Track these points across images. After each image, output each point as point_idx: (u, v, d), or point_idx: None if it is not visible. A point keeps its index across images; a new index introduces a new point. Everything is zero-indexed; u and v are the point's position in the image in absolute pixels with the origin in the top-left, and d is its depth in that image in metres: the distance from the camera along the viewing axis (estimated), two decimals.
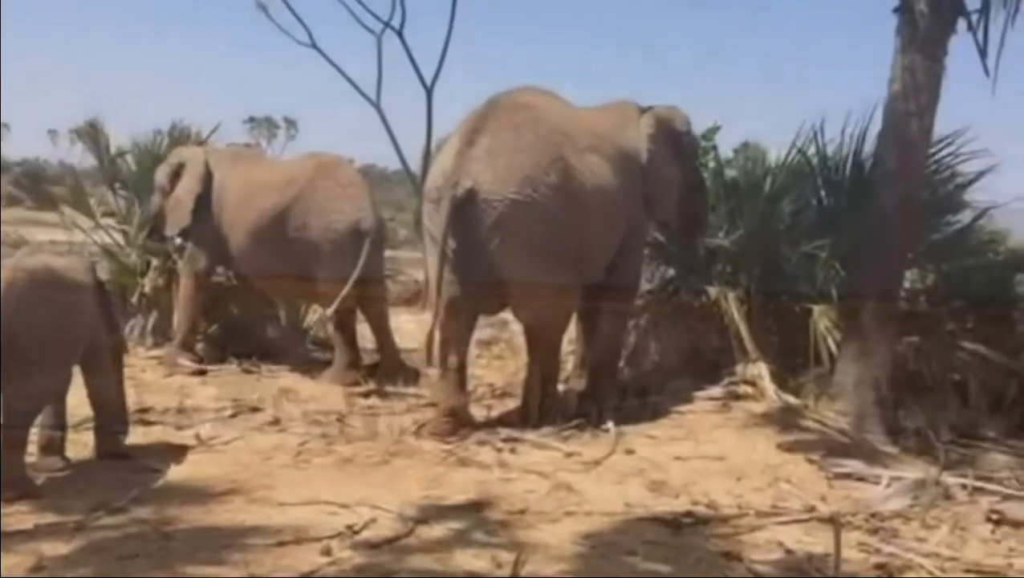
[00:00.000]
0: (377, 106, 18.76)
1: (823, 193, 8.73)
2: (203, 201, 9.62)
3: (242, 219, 9.40)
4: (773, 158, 8.87)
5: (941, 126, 7.65)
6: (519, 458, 6.62)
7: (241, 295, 10.15)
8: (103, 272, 6.30)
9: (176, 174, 9.93)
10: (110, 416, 6.26)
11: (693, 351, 8.61)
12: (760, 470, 6.36)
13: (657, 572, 4.68)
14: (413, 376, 8.99)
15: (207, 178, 9.70)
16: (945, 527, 5.48)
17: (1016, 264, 8.76)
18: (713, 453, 6.72)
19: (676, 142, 8.20)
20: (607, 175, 7.48)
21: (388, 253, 10.77)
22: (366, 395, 8.50)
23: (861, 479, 6.27)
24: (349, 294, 8.74)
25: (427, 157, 16.89)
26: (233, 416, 7.62)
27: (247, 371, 9.27)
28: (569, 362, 8.62)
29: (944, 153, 8.37)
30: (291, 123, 76.41)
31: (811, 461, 6.52)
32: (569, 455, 6.67)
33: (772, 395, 7.64)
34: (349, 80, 18.84)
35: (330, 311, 8.84)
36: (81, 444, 6.32)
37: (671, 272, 9.21)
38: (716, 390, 7.89)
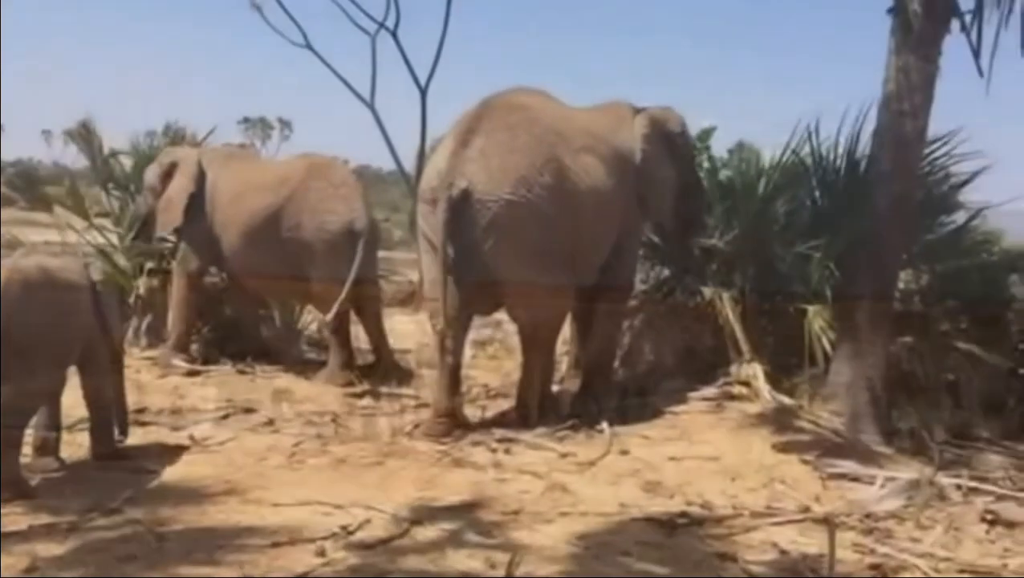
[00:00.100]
0: (371, 106, 18.65)
1: (818, 194, 8.73)
2: (196, 201, 9.59)
3: (235, 219, 9.39)
4: (767, 158, 8.87)
5: (935, 127, 7.68)
6: (514, 459, 6.62)
7: (235, 296, 10.13)
8: (96, 273, 6.25)
9: (167, 174, 9.89)
10: (106, 417, 6.24)
11: (688, 351, 8.62)
12: (755, 470, 6.37)
13: (651, 573, 4.68)
14: (407, 377, 8.99)
15: (200, 178, 9.67)
16: (940, 527, 5.50)
17: (1010, 265, 8.77)
18: (708, 453, 6.73)
19: (670, 143, 8.20)
20: (601, 176, 7.49)
21: (383, 254, 10.77)
22: (360, 396, 8.50)
23: (855, 479, 6.28)
24: (345, 297, 8.74)
25: (421, 158, 16.79)
26: (227, 417, 7.61)
27: (241, 372, 9.24)
28: (564, 363, 8.63)
29: (938, 154, 8.39)
30: (285, 123, 76.38)
31: (805, 461, 6.52)
32: (564, 456, 6.67)
33: (766, 395, 7.64)
34: (343, 80, 18.74)
35: (329, 316, 8.84)
36: (76, 445, 6.32)
37: (666, 272, 9.21)
38: (711, 390, 7.89)
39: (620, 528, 5.28)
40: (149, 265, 10.47)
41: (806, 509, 5.67)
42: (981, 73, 7.25)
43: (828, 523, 5.12)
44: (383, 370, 9.16)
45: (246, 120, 72.51)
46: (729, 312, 8.17)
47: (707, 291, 8.48)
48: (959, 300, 8.38)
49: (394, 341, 9.70)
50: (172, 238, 10.03)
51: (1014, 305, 8.58)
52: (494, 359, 9.75)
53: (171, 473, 6.10)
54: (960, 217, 8.72)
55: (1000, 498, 6.03)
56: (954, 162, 8.50)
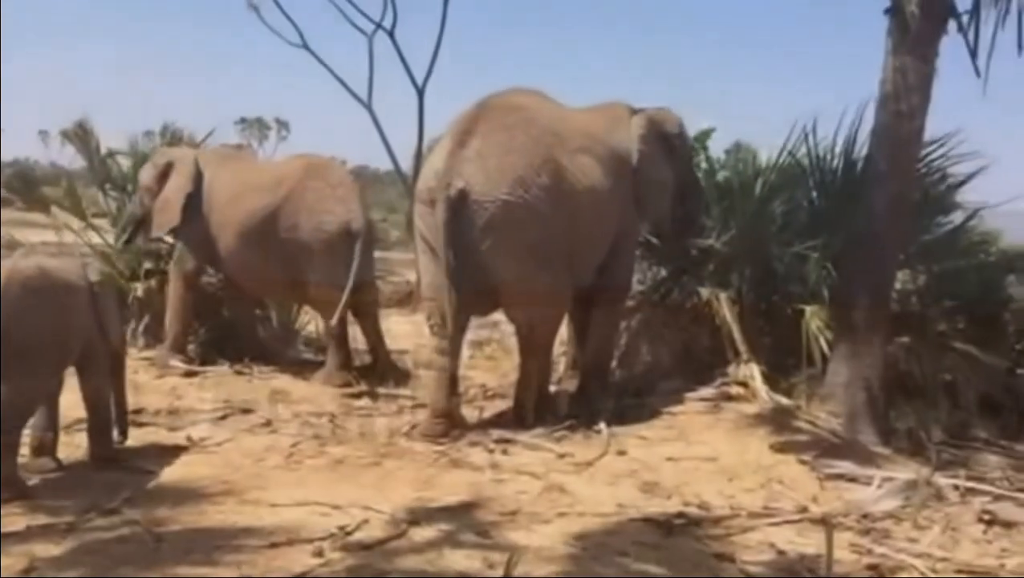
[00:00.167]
0: (368, 107, 18.68)
1: (815, 194, 8.75)
2: (193, 201, 9.58)
3: (232, 220, 9.37)
4: (764, 159, 8.88)
5: (932, 127, 7.68)
6: (511, 459, 6.62)
7: (232, 296, 10.12)
8: (95, 273, 6.24)
9: (163, 175, 9.85)
10: (104, 420, 6.23)
11: (685, 352, 8.61)
12: (752, 471, 6.37)
13: (649, 573, 4.68)
14: (404, 377, 8.99)
15: (198, 178, 9.66)
16: (937, 528, 5.50)
17: (1007, 265, 8.80)
18: (705, 454, 6.73)
19: (667, 143, 8.21)
20: (598, 176, 7.49)
21: (380, 254, 10.77)
22: (358, 396, 8.50)
23: (853, 480, 6.28)
24: (341, 297, 8.75)
25: (418, 158, 16.82)
26: (225, 417, 7.61)
27: (239, 372, 9.23)
28: (561, 363, 8.63)
29: (936, 154, 8.40)
30: (282, 124, 76.52)
31: (803, 462, 6.53)
32: (561, 456, 6.68)
33: (764, 396, 7.64)
34: (340, 81, 18.78)
35: (333, 321, 8.85)
36: (73, 446, 6.32)
37: (663, 273, 9.21)
38: (708, 391, 7.88)
39: (618, 528, 5.29)
40: (147, 266, 10.46)
41: (803, 509, 5.68)
42: (978, 73, 7.27)
43: (825, 523, 5.13)
44: (380, 371, 9.17)
45: (243, 120, 72.71)
46: (726, 312, 8.17)
47: (704, 291, 8.48)
48: (956, 300, 8.40)
49: (391, 342, 9.70)
50: (169, 239, 10.03)
51: (1011, 305, 8.59)
52: (491, 360, 9.75)
53: (169, 474, 6.10)
54: (957, 217, 8.75)
55: (997, 498, 6.03)
56: (951, 163, 8.52)
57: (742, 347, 8.01)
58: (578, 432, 7.19)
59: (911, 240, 8.11)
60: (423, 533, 5.04)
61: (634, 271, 8.61)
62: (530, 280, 7.16)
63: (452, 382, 7.31)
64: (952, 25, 7.25)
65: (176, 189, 9.65)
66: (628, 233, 8.01)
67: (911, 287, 8.62)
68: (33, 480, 5.69)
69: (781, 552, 5.02)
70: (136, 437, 6.73)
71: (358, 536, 4.92)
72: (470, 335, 7.65)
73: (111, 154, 11.56)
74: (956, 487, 6.14)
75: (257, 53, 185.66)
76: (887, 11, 7.30)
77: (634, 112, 8.14)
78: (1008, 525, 5.63)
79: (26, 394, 5.51)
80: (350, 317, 9.28)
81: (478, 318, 8.29)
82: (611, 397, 7.86)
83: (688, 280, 8.82)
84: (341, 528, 4.98)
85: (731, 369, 8.01)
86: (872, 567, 4.89)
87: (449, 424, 7.14)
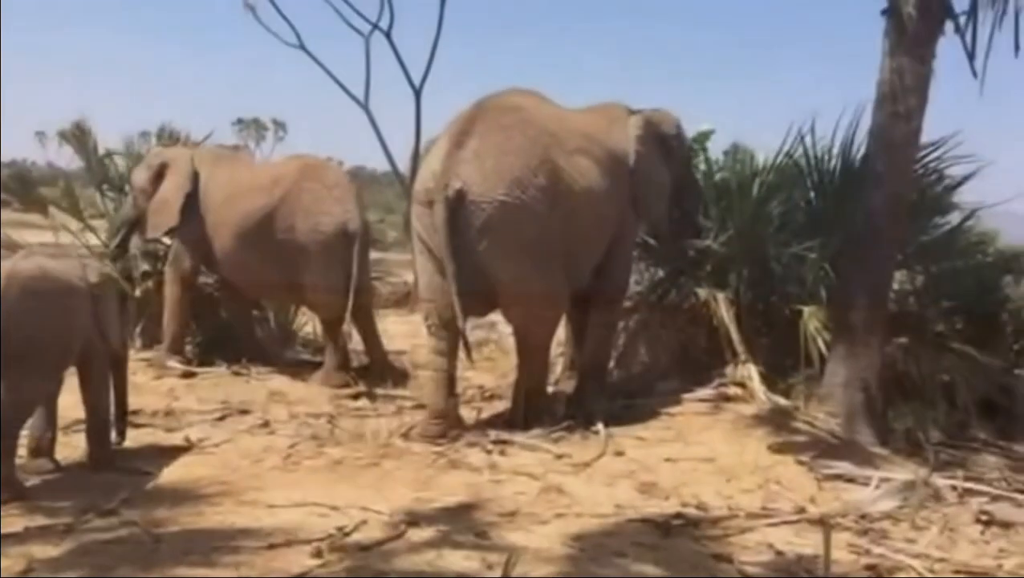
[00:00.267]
0: (366, 108, 18.69)
1: (812, 195, 8.75)
2: (190, 201, 9.57)
3: (228, 221, 9.36)
4: (762, 160, 8.88)
5: (929, 128, 7.67)
6: (509, 460, 6.62)
7: (229, 297, 10.11)
8: (94, 275, 6.24)
9: (158, 175, 9.83)
10: (103, 423, 6.23)
11: (683, 353, 8.62)
12: (750, 471, 6.37)
13: (647, 574, 4.68)
14: (402, 378, 8.99)
15: (195, 177, 9.65)
16: (935, 528, 5.50)
17: (1004, 265, 8.82)
18: (703, 455, 6.73)
19: (664, 144, 8.21)
20: (595, 177, 7.49)
21: (377, 255, 10.77)
22: (356, 397, 8.50)
23: (851, 480, 6.28)
24: (339, 298, 8.76)
25: (416, 159, 16.84)
26: (223, 418, 7.62)
27: (236, 373, 9.24)
28: (559, 364, 8.63)
29: (933, 155, 8.40)
30: (279, 125, 76.37)
31: (801, 462, 6.53)
32: (559, 457, 6.68)
33: (762, 396, 7.64)
34: (337, 81, 18.78)
35: (346, 326, 8.93)
36: (71, 447, 6.31)
37: (660, 274, 9.21)
38: (706, 392, 7.87)
39: (616, 529, 5.28)
40: (144, 268, 10.45)
41: (801, 510, 5.67)
42: (975, 74, 7.27)
43: (823, 524, 5.13)
44: (377, 372, 9.16)
45: (240, 121, 72.66)
46: (724, 313, 8.17)
47: (702, 292, 8.48)
48: (954, 301, 8.40)
49: (389, 343, 9.70)
50: (167, 240, 10.01)
51: (1009, 305, 8.60)
52: (489, 360, 9.74)
53: (167, 475, 6.10)
54: (955, 218, 8.74)
55: (995, 499, 6.03)
56: (948, 166, 8.53)
57: (740, 348, 8.01)
58: (576, 433, 7.19)
59: (909, 241, 8.12)
60: (421, 534, 5.04)
61: (631, 272, 8.61)
62: (527, 281, 7.16)
63: (450, 383, 7.32)
64: (949, 26, 7.25)
65: (174, 189, 9.63)
66: (625, 234, 8.01)
67: (909, 288, 8.64)
68: (31, 481, 5.69)
69: (779, 553, 5.02)
70: (134, 438, 6.73)
71: (356, 537, 4.92)
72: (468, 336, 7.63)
73: (109, 155, 11.55)
74: (954, 487, 6.14)
75: (254, 54, 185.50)
76: (884, 12, 7.30)
77: (631, 113, 8.14)
78: (1006, 525, 5.63)
79: (25, 395, 5.51)
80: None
81: (475, 319, 8.29)
82: (609, 398, 7.85)
83: (686, 281, 8.82)
84: (339, 529, 4.98)
85: (729, 370, 8.00)
86: (870, 567, 4.89)
87: (447, 425, 7.14)
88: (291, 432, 7.24)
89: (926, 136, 7.79)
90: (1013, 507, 5.92)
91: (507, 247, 7.07)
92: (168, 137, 11.86)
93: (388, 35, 18.43)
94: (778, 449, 6.77)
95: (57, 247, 9.59)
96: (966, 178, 8.56)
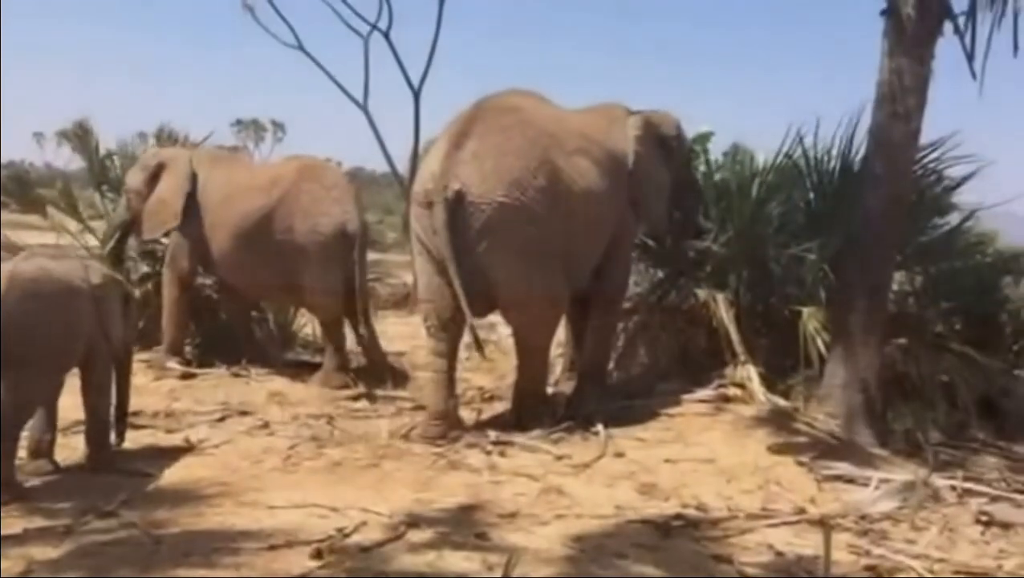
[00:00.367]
0: (364, 108, 18.72)
1: (812, 196, 8.74)
2: (189, 202, 9.56)
3: (226, 221, 9.34)
4: (761, 161, 8.88)
5: (928, 129, 7.67)
6: (509, 461, 6.62)
7: (228, 299, 10.10)
8: (96, 276, 6.23)
9: (154, 176, 9.81)
10: (103, 425, 6.22)
11: (682, 353, 8.62)
12: (750, 472, 6.37)
13: (647, 575, 4.68)
14: (402, 379, 8.99)
15: (194, 178, 9.64)
16: (934, 529, 5.50)
17: (1003, 266, 8.82)
18: (703, 455, 6.73)
19: (664, 145, 8.22)
20: (595, 178, 7.49)
21: (376, 256, 10.77)
22: (355, 398, 8.50)
23: (850, 481, 6.28)
24: (337, 299, 8.76)
25: (415, 160, 16.87)
26: (223, 419, 7.62)
27: (236, 374, 9.22)
28: (558, 365, 8.63)
29: (932, 156, 8.39)
30: (278, 126, 76.49)
31: (800, 463, 6.53)
32: (559, 458, 6.67)
33: (761, 397, 7.63)
34: (336, 82, 18.81)
35: (362, 329, 9.02)
36: (71, 448, 6.31)
37: (660, 275, 9.21)
38: (705, 392, 7.86)
39: (615, 530, 5.28)
40: (143, 269, 10.44)
41: (801, 511, 5.67)
42: (974, 75, 7.27)
43: (823, 525, 5.13)
44: (375, 373, 9.16)
45: (239, 122, 72.72)
46: (724, 314, 8.17)
47: (701, 293, 8.48)
48: (953, 301, 8.40)
49: (388, 344, 9.69)
50: (165, 241, 9.99)
51: (1008, 306, 8.61)
52: (489, 361, 9.72)
53: (167, 476, 6.10)
54: (954, 219, 8.73)
55: (995, 499, 6.04)
56: (947, 165, 8.52)
57: (739, 349, 8.00)
58: (576, 434, 7.19)
59: (908, 241, 8.11)
60: (421, 535, 5.04)
61: (631, 273, 8.61)
62: (527, 282, 7.16)
63: (450, 384, 7.32)
64: (948, 27, 7.25)
65: (173, 189, 9.60)
66: (625, 235, 8.01)
67: (908, 288, 8.63)
68: (31, 482, 5.69)
69: (779, 553, 5.02)
70: (133, 439, 6.73)
71: (356, 538, 4.92)
72: (467, 337, 7.63)
73: (111, 155, 11.54)
74: (953, 488, 6.14)
75: (252, 54, 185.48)
76: (883, 12, 7.30)
77: (631, 114, 8.14)
78: (1005, 526, 5.63)
79: (26, 397, 5.52)
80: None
81: (475, 319, 8.28)
82: (608, 399, 7.85)
83: (685, 282, 8.82)
84: (339, 530, 4.98)
85: (728, 371, 7.99)
86: (870, 568, 4.89)
87: (447, 426, 7.14)
88: (291, 433, 7.24)
89: (925, 136, 7.79)
90: (1013, 507, 5.93)
91: (506, 248, 7.07)
92: (167, 138, 11.84)
93: (387, 36, 18.47)
94: (778, 450, 6.77)
95: (58, 248, 9.58)
96: (965, 179, 8.56)
